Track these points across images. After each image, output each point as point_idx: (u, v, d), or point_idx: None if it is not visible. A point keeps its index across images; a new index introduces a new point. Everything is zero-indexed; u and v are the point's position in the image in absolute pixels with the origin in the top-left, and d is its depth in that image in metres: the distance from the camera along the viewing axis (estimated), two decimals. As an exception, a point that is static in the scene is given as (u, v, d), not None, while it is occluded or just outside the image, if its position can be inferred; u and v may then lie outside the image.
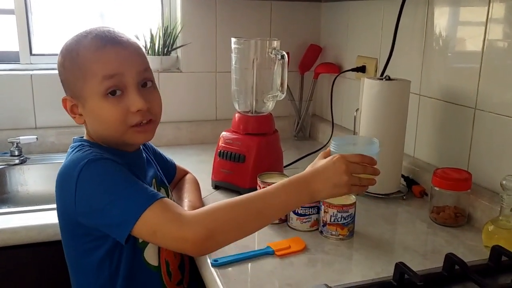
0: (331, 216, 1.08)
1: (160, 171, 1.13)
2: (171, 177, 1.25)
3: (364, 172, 0.91)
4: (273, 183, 1.14)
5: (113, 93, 0.91)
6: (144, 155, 1.06)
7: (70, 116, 0.98)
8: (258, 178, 1.19)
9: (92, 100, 0.92)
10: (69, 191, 0.86)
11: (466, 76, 1.27)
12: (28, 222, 1.18)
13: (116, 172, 0.87)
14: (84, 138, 1.00)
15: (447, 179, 1.18)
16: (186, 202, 1.16)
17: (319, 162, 0.92)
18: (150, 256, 0.98)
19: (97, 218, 0.85)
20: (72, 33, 0.96)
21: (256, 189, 1.19)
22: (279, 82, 1.31)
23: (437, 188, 1.19)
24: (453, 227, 1.17)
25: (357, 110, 1.37)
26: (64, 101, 0.97)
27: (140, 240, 0.95)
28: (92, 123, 0.96)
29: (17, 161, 1.61)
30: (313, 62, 1.97)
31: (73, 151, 0.94)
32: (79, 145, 0.94)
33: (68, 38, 0.96)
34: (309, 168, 0.92)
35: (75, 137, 1.00)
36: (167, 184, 1.14)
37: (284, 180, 0.90)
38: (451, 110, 1.32)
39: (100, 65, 0.90)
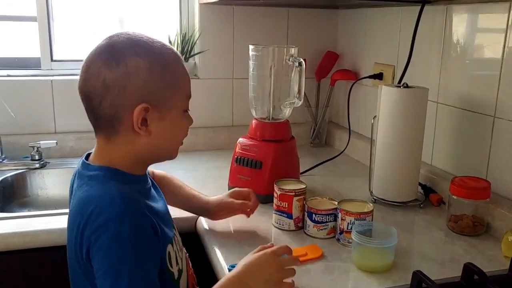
0: (348, 223, 1.08)
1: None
2: None
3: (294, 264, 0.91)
4: (290, 190, 1.16)
5: (186, 110, 0.91)
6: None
7: (136, 128, 0.83)
8: (275, 185, 1.20)
9: (174, 113, 0.87)
10: (83, 230, 0.79)
11: (485, 83, 1.26)
12: (48, 225, 1.20)
13: (137, 247, 0.78)
14: (108, 166, 0.87)
15: (466, 187, 1.17)
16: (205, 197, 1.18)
17: (251, 256, 0.90)
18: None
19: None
20: (98, 37, 0.87)
21: (272, 196, 1.21)
22: (296, 89, 1.32)
23: (455, 197, 1.18)
24: (471, 236, 1.16)
25: (374, 117, 1.37)
26: (138, 109, 0.82)
27: (176, 277, 0.91)
28: (156, 139, 0.86)
29: (37, 165, 1.64)
30: (330, 69, 1.97)
31: (102, 179, 0.84)
32: (109, 175, 0.85)
33: (122, 40, 0.85)
34: (242, 263, 0.89)
35: (90, 164, 0.88)
36: None
37: (221, 280, 0.87)
38: (470, 118, 1.31)
39: (186, 81, 0.90)
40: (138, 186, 0.88)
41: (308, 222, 1.14)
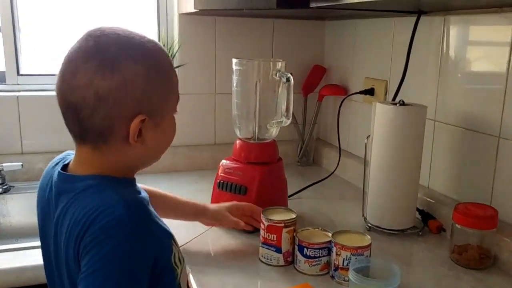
0: (344, 259, 0.96)
1: None
2: None
3: None
4: (279, 221, 1.04)
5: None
6: None
7: (132, 141, 0.76)
8: (262, 215, 1.08)
9: (167, 119, 0.82)
10: (83, 237, 0.71)
11: (488, 100, 1.16)
12: (12, 262, 1.07)
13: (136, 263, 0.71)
14: (100, 174, 0.78)
15: (470, 215, 1.06)
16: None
17: None
18: None
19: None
20: (77, 39, 0.76)
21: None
22: (284, 107, 1.21)
23: (458, 226, 1.08)
24: (478, 270, 1.05)
25: (368, 137, 1.26)
26: (136, 122, 0.75)
27: (179, 276, 0.83)
28: (148, 148, 0.79)
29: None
30: (317, 84, 1.87)
31: (98, 187, 0.75)
32: (105, 183, 0.77)
33: (113, 41, 0.74)
34: None
35: (75, 175, 0.78)
36: None
37: None
38: (471, 138, 1.21)
39: (177, 82, 0.83)
40: (135, 189, 0.81)
41: (299, 256, 1.02)
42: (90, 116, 0.73)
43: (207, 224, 1.21)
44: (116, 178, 0.78)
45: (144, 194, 0.82)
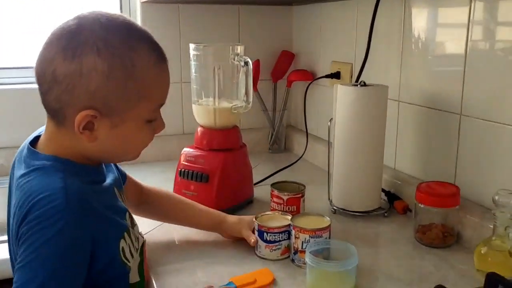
0: (302, 242, 0.95)
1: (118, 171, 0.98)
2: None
3: None
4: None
5: (151, 120, 0.81)
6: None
7: (77, 131, 0.74)
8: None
9: (131, 124, 0.77)
10: (21, 224, 0.69)
11: (449, 80, 1.15)
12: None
13: (64, 256, 0.68)
14: (57, 155, 0.76)
15: (433, 194, 1.05)
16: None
17: None
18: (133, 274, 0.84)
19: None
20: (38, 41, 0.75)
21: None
22: (243, 92, 1.18)
23: (421, 205, 1.07)
24: (441, 248, 1.04)
25: (331, 120, 1.25)
26: (82, 115, 0.72)
27: (129, 269, 0.80)
28: (104, 145, 0.76)
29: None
30: (286, 70, 1.84)
31: (48, 169, 0.73)
32: (57, 165, 0.74)
33: (91, 27, 0.72)
34: None
35: (37, 152, 0.77)
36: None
37: None
38: (434, 116, 1.20)
39: (160, 91, 0.80)
40: (90, 178, 0.78)
41: (260, 242, 1.00)
42: (46, 93, 0.74)
43: (226, 237, 1.09)
44: (72, 163, 0.76)
45: (109, 182, 0.82)
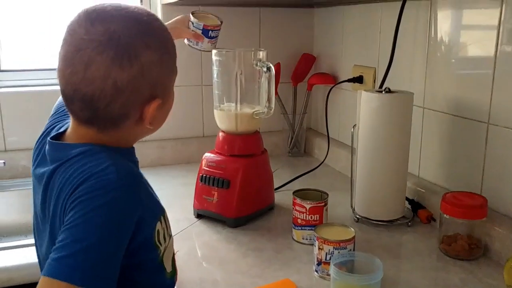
0: (326, 253, 0.93)
1: None
2: None
3: None
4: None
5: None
6: None
7: (147, 124, 0.76)
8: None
9: (171, 96, 0.82)
10: (69, 197, 0.70)
11: (476, 86, 1.12)
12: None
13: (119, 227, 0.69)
14: (93, 143, 0.76)
15: (459, 205, 1.03)
16: None
17: None
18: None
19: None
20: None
21: (243, 219, 1.06)
22: (265, 97, 1.17)
23: (447, 216, 1.05)
24: (467, 261, 1.02)
25: (354, 126, 1.23)
26: (153, 106, 0.75)
27: (161, 254, 0.80)
28: (154, 126, 0.80)
29: (-19, 189, 1.47)
30: (307, 73, 1.83)
31: (90, 152, 0.74)
32: (98, 148, 0.74)
33: (124, 26, 0.71)
34: None
35: (68, 143, 0.77)
36: None
37: None
38: (460, 125, 1.17)
39: (176, 54, 0.82)
40: (130, 158, 0.81)
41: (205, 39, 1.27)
42: (106, 106, 0.72)
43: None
44: (110, 147, 0.76)
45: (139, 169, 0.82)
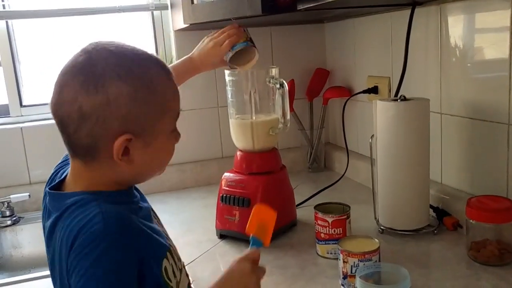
0: (351, 266, 0.92)
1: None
2: None
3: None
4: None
5: (174, 130, 0.81)
6: None
7: (117, 159, 0.73)
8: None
9: (161, 138, 0.78)
10: (67, 259, 0.70)
11: (493, 88, 1.11)
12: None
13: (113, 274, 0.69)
14: (87, 190, 0.76)
15: (485, 210, 1.01)
16: None
17: (233, 267, 0.85)
18: None
19: None
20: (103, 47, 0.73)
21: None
22: (280, 113, 1.17)
23: (473, 221, 1.02)
24: (498, 266, 0.99)
25: (372, 136, 1.22)
26: (120, 141, 0.72)
27: None
28: (139, 166, 0.77)
29: (9, 222, 1.50)
30: (321, 87, 1.83)
31: (82, 202, 0.73)
32: (90, 197, 0.74)
33: (104, 57, 0.72)
34: (225, 273, 0.84)
35: (62, 193, 0.77)
36: None
37: None
38: (480, 127, 1.15)
39: (175, 100, 0.79)
40: (124, 200, 0.78)
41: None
42: (74, 132, 0.72)
43: (206, 69, 1.26)
44: (102, 192, 0.76)
45: (145, 205, 0.82)
